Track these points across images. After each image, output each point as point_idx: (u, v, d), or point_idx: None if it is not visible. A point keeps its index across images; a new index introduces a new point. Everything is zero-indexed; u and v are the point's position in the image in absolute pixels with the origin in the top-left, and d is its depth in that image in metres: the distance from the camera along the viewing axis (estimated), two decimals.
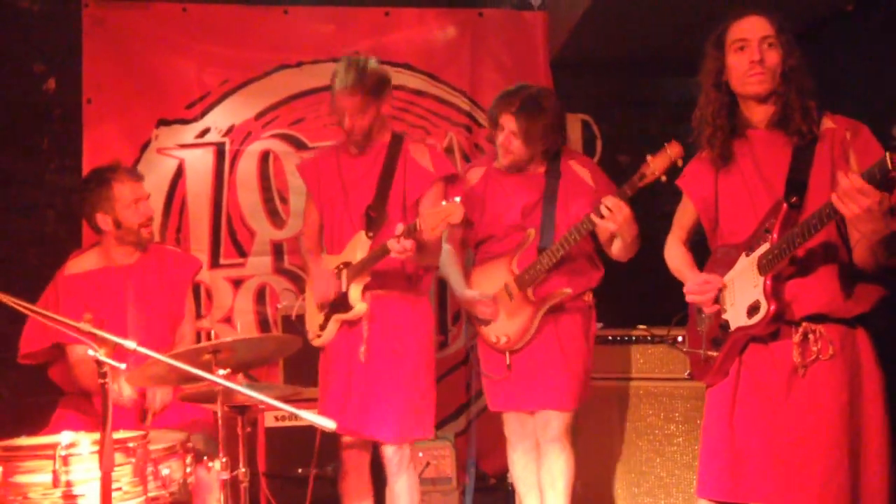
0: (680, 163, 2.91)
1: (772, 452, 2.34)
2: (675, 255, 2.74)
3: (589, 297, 3.43)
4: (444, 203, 2.92)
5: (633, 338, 3.95)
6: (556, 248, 3.26)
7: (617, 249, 3.24)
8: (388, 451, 3.21)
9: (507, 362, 3.36)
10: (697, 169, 2.64)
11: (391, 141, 3.28)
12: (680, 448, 3.83)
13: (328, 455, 3.58)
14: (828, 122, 2.41)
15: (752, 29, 2.43)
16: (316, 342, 3.35)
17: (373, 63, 3.20)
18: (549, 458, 3.38)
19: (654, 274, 3.50)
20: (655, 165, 2.94)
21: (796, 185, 2.36)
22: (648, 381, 3.91)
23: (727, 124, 2.50)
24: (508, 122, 3.37)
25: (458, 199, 2.90)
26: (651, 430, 3.87)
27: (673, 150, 2.93)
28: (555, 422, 3.35)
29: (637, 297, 3.51)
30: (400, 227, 2.99)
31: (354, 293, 3.20)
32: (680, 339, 3.89)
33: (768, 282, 2.32)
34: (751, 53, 2.41)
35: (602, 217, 2.95)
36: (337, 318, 3.26)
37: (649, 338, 3.93)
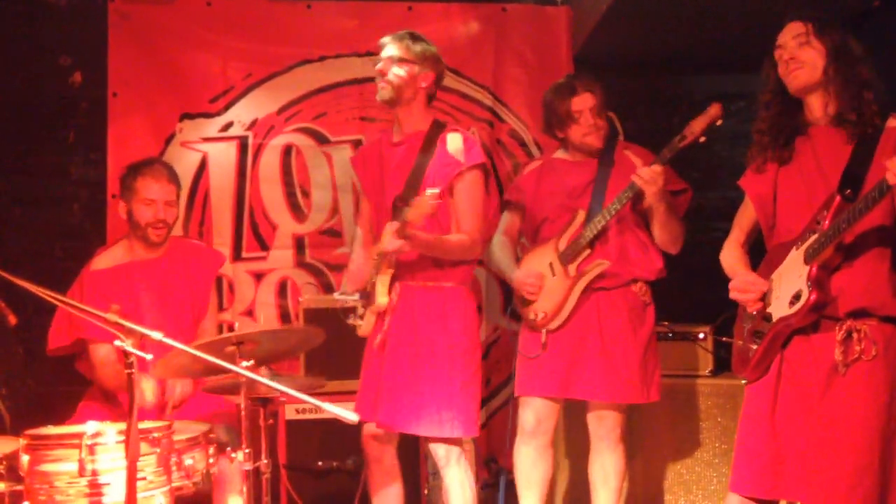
0: (720, 122, 2.96)
1: (808, 450, 2.32)
2: (730, 255, 2.71)
3: (640, 288, 3.36)
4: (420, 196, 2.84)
5: (656, 334, 3.94)
6: (597, 220, 3.25)
7: (658, 232, 3.26)
8: (431, 446, 3.14)
9: (543, 340, 3.32)
10: (756, 169, 2.62)
11: (430, 129, 3.21)
12: (700, 445, 3.82)
13: (349, 448, 3.61)
14: (892, 121, 2.40)
15: (787, 33, 2.51)
16: (358, 332, 3.32)
17: (429, 44, 3.24)
18: (602, 456, 3.36)
19: (679, 271, 3.50)
20: (696, 126, 2.98)
21: (852, 178, 2.34)
22: (669, 377, 3.89)
23: (788, 123, 2.52)
24: (587, 101, 3.36)
25: (433, 190, 2.79)
26: (671, 427, 3.86)
27: (713, 111, 2.97)
28: (608, 419, 3.33)
29: (658, 292, 3.49)
30: (393, 225, 2.96)
31: (379, 286, 3.15)
32: (702, 335, 3.90)
33: (813, 269, 2.31)
34: (785, 53, 2.48)
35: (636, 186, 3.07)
36: (371, 310, 3.23)
37: (670, 334, 3.92)
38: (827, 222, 2.31)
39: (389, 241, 2.96)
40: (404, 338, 3.13)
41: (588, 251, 3.30)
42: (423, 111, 3.23)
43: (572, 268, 3.31)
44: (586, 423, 3.43)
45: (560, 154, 3.54)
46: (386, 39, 3.23)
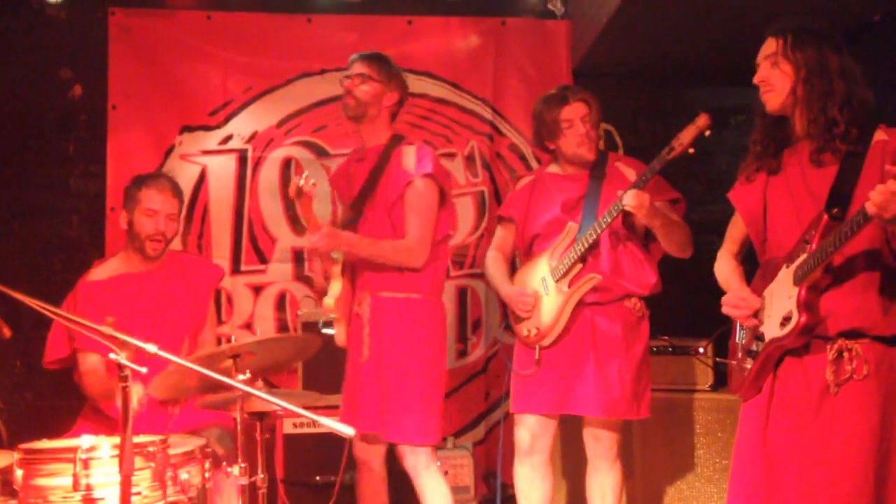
0: (708, 133, 2.95)
1: (801, 471, 2.30)
2: (724, 268, 2.69)
3: (634, 304, 3.33)
4: None
5: (655, 348, 3.92)
6: (588, 233, 3.23)
7: (662, 244, 3.27)
8: (400, 454, 3.24)
9: (536, 357, 3.30)
10: (745, 184, 2.59)
11: (388, 142, 3.32)
12: (700, 460, 3.80)
13: (347, 463, 3.59)
14: (880, 134, 2.35)
15: (761, 52, 2.47)
16: (336, 341, 3.42)
17: (395, 65, 3.36)
18: (600, 474, 3.35)
19: (677, 285, 3.49)
20: (683, 137, 2.98)
21: (840, 196, 2.31)
22: (669, 392, 3.88)
23: (778, 133, 2.49)
24: (578, 110, 3.34)
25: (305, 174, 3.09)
26: (671, 442, 3.84)
27: (701, 121, 2.97)
28: (605, 437, 3.32)
29: (659, 307, 3.47)
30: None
31: (329, 289, 3.30)
32: (702, 349, 3.88)
33: (802, 292, 2.29)
34: (757, 75, 2.46)
35: (623, 208, 3.07)
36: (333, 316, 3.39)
37: (670, 348, 3.91)
38: (814, 244, 2.28)
39: (307, 238, 3.16)
40: (374, 346, 3.24)
41: (580, 265, 3.27)
42: (385, 128, 3.35)
43: (564, 283, 3.29)
44: (582, 440, 3.41)
45: (552, 168, 3.52)
46: (355, 57, 3.36)
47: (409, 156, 3.24)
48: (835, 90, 2.35)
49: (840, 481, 2.24)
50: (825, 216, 2.29)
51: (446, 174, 3.41)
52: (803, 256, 2.31)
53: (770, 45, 2.45)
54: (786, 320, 2.32)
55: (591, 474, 3.38)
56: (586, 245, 3.23)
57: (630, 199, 3.07)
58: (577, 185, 3.40)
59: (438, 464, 3.28)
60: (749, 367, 2.46)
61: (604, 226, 3.19)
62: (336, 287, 3.29)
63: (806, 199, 2.40)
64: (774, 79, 2.42)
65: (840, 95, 2.35)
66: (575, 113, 3.33)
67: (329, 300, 3.29)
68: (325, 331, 3.45)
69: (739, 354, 2.53)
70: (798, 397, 2.35)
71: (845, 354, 2.28)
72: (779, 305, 2.37)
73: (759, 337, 2.44)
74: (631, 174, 3.35)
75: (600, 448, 3.33)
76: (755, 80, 2.46)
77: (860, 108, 2.36)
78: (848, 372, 2.28)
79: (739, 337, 2.56)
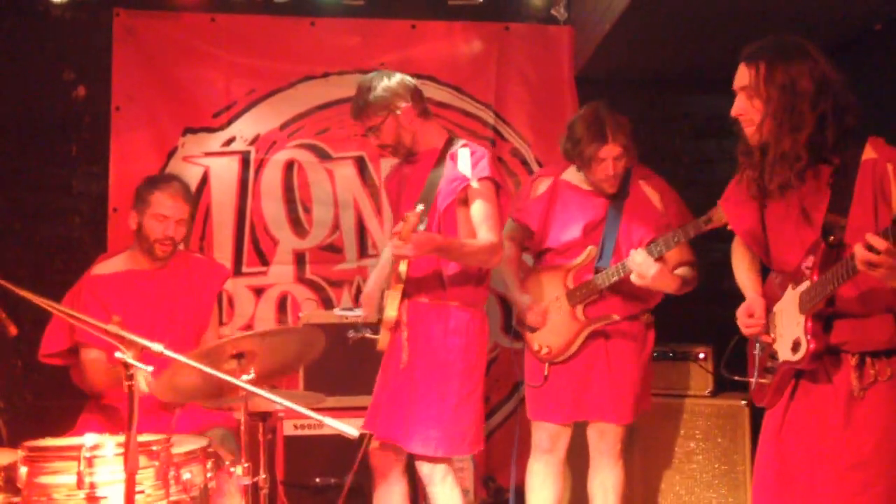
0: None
1: (828, 476, 2.29)
2: (740, 266, 2.65)
3: (645, 318, 3.45)
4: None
5: (655, 354, 3.92)
6: (611, 272, 3.29)
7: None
8: (416, 463, 3.15)
9: (545, 373, 3.37)
10: (741, 199, 2.51)
11: (444, 146, 3.22)
12: (699, 466, 3.81)
13: (348, 465, 3.59)
14: (869, 152, 2.29)
15: (737, 80, 2.39)
16: (377, 346, 3.25)
17: (380, 82, 3.16)
18: (603, 472, 3.38)
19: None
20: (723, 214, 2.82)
21: (833, 223, 2.27)
22: (669, 397, 3.89)
23: (762, 168, 2.40)
24: (613, 151, 3.30)
25: (420, 206, 2.90)
26: (671, 447, 3.85)
27: None
28: (609, 435, 3.36)
29: (660, 313, 3.49)
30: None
31: (389, 299, 3.13)
32: (702, 356, 3.90)
33: (808, 322, 2.28)
34: (734, 108, 2.38)
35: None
36: (382, 324, 3.19)
37: (671, 354, 3.92)
38: (815, 274, 2.26)
39: (395, 246, 2.94)
40: (416, 354, 3.14)
41: (597, 296, 3.35)
42: (430, 132, 3.24)
43: (580, 310, 3.36)
44: (584, 439, 3.45)
45: (572, 176, 3.51)
46: (353, 114, 3.22)
47: (463, 158, 3.13)
48: (804, 124, 2.27)
49: (878, 483, 2.23)
50: (822, 245, 2.27)
51: (502, 174, 3.30)
52: (807, 283, 2.29)
53: (743, 75, 2.36)
54: (796, 345, 2.32)
55: (594, 472, 3.41)
56: (608, 283, 3.30)
57: (636, 278, 3.16)
58: (599, 203, 3.43)
59: (461, 474, 3.19)
60: (767, 381, 2.46)
61: (621, 274, 3.26)
62: (397, 297, 3.12)
63: (803, 222, 2.36)
64: (751, 112, 2.34)
65: (810, 127, 2.27)
66: (610, 153, 3.33)
67: (392, 312, 3.10)
68: (365, 334, 3.34)
69: (756, 370, 2.53)
70: (822, 406, 2.33)
71: (868, 360, 2.27)
72: (789, 328, 2.37)
73: (773, 356, 2.44)
74: (655, 197, 3.42)
75: (604, 445, 3.37)
76: (732, 112, 2.38)
77: (838, 130, 2.28)
78: (872, 376, 2.27)
79: (756, 349, 2.55)
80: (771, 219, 2.46)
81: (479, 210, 3.10)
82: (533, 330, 3.41)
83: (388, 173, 3.67)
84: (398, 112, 3.15)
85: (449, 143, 3.22)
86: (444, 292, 3.14)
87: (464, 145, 3.19)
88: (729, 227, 2.67)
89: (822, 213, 2.31)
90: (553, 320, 3.38)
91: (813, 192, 2.34)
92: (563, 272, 3.40)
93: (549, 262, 3.49)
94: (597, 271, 3.34)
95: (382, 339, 3.18)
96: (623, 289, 3.34)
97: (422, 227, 3.03)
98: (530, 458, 3.47)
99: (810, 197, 2.34)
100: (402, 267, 3.09)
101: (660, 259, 3.20)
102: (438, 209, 3.12)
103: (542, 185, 3.55)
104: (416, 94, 3.21)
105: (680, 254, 3.33)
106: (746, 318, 2.50)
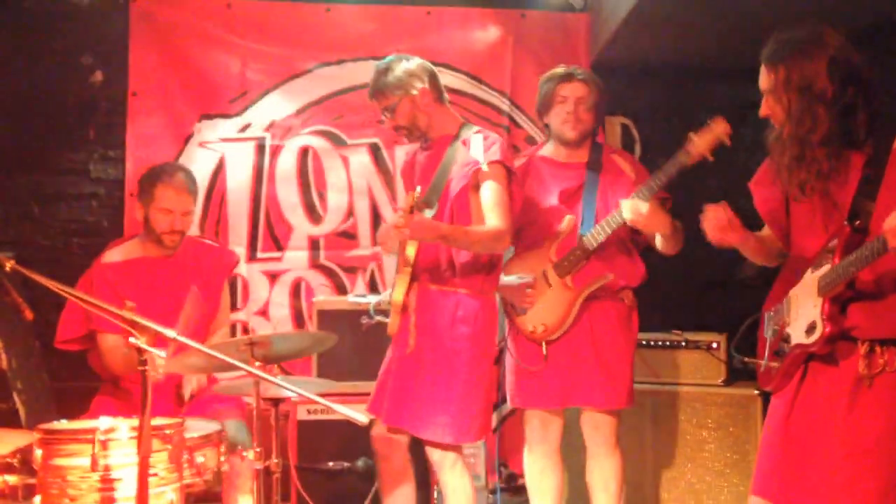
0: (728, 141, 2.85)
1: (828, 463, 2.29)
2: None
3: (628, 297, 3.37)
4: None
5: (667, 342, 3.94)
6: (598, 230, 3.24)
7: (658, 244, 3.25)
8: (427, 449, 3.13)
9: (544, 352, 3.30)
10: (768, 181, 2.52)
11: (458, 132, 3.19)
12: (711, 454, 3.81)
13: (360, 449, 3.62)
14: None
15: (761, 81, 2.42)
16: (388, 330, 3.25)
17: (398, 64, 3.15)
18: (601, 462, 3.36)
19: (690, 278, 3.49)
20: (700, 143, 2.88)
21: (861, 207, 2.27)
22: (681, 386, 3.89)
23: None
24: (577, 89, 3.33)
25: (418, 189, 2.89)
26: (682, 436, 3.85)
27: (718, 128, 2.87)
28: (604, 425, 3.34)
29: (672, 301, 3.48)
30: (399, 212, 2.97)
31: (397, 283, 3.12)
32: (715, 345, 3.89)
33: (826, 305, 2.27)
34: (762, 107, 2.42)
35: (626, 217, 3.03)
36: (391, 308, 3.18)
37: (683, 342, 3.92)
38: (837, 257, 2.26)
39: (395, 226, 2.91)
40: (419, 338, 3.11)
41: (584, 262, 3.30)
42: (445, 117, 3.22)
43: (569, 279, 3.30)
44: (578, 430, 3.43)
45: (546, 151, 3.49)
46: (370, 94, 3.20)
47: (476, 144, 3.10)
48: (821, 126, 2.28)
49: (880, 470, 2.23)
50: (847, 228, 2.27)
51: (513, 160, 3.28)
52: (827, 267, 2.29)
53: (764, 78, 2.39)
54: (811, 328, 2.31)
55: (592, 463, 3.39)
56: (596, 243, 3.25)
57: (629, 213, 3.08)
58: (574, 173, 3.40)
59: (472, 460, 3.18)
60: (776, 365, 2.46)
61: (614, 226, 3.21)
62: (405, 281, 3.10)
63: (829, 206, 2.36)
64: (777, 113, 2.38)
65: (830, 127, 2.28)
66: (572, 91, 3.34)
67: (399, 296, 3.09)
68: (377, 318, 3.35)
69: (766, 353, 2.52)
70: (829, 391, 2.33)
71: (877, 349, 2.27)
72: (804, 310, 2.36)
73: (785, 339, 2.43)
74: (626, 167, 3.38)
75: (600, 437, 3.35)
76: (761, 114, 2.42)
77: (867, 115, 2.29)
78: (881, 365, 2.26)
79: (767, 331, 2.55)
80: (795, 203, 2.46)
81: (488, 194, 3.05)
82: (523, 312, 3.36)
83: (404, 161, 3.65)
84: (414, 93, 3.12)
85: (462, 129, 3.20)
86: (453, 279, 3.11)
87: (477, 132, 3.16)
88: (710, 160, 2.71)
89: (850, 198, 2.31)
90: (544, 297, 3.32)
91: (841, 177, 2.34)
92: (546, 247, 3.35)
93: (529, 238, 3.42)
94: (580, 238, 3.29)
95: (392, 322, 3.17)
96: (607, 258, 3.29)
97: (430, 214, 3.03)
98: (524, 450, 3.42)
99: (838, 182, 2.34)
100: (410, 251, 3.06)
101: None
102: (451, 195, 3.09)
103: (517, 163, 3.44)
104: (433, 78, 3.19)
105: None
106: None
